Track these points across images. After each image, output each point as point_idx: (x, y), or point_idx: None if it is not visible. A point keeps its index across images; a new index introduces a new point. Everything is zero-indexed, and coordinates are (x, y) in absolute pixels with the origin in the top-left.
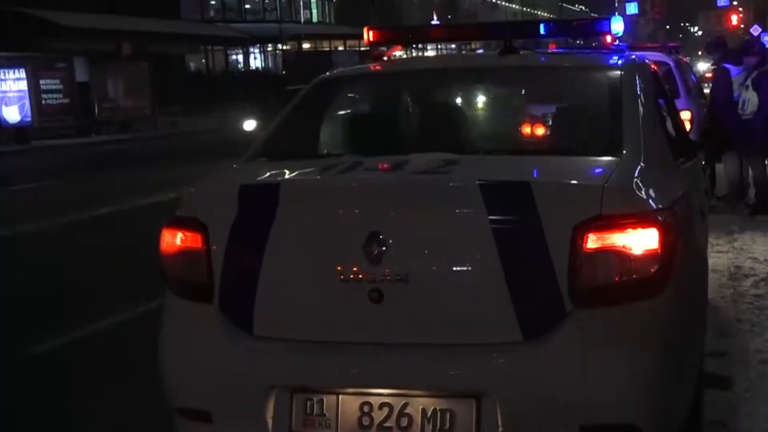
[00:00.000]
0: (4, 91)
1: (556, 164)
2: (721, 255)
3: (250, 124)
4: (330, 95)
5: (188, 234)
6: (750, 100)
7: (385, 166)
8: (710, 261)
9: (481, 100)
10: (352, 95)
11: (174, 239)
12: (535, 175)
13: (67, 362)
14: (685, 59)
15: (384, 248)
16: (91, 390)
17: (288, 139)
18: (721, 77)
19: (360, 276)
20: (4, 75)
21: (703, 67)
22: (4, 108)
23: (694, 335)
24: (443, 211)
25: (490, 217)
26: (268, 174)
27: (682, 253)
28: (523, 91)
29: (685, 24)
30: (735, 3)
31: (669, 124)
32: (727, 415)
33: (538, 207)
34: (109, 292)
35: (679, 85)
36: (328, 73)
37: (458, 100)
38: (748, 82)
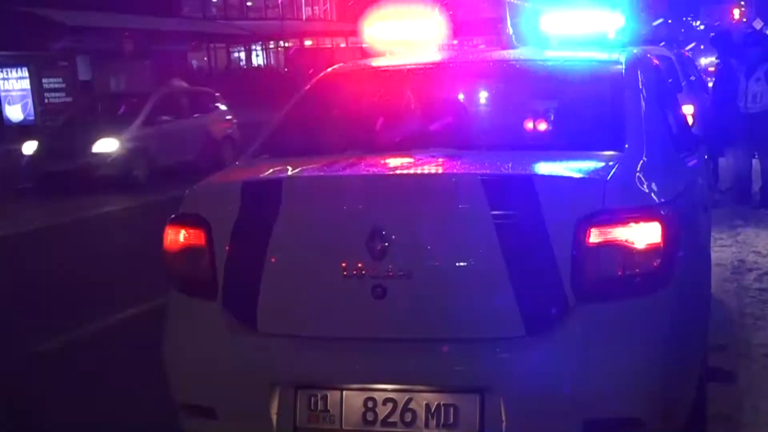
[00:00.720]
0: (6, 90)
1: (558, 159)
2: (724, 249)
3: (30, 147)
4: (332, 91)
5: (191, 231)
6: (762, 92)
7: (388, 162)
8: (713, 255)
9: (483, 95)
10: (353, 91)
11: (177, 236)
12: (537, 170)
13: (74, 360)
14: (687, 53)
15: (387, 244)
16: (97, 387)
17: (290, 135)
18: (724, 71)
19: (363, 272)
20: (7, 74)
21: (705, 61)
22: (7, 107)
23: (697, 329)
24: (446, 207)
25: (493, 212)
26: (270, 171)
27: (684, 247)
28: (525, 86)
29: (687, 18)
30: None
31: (671, 119)
32: (731, 409)
33: (540, 202)
34: (113, 290)
35: (681, 79)
36: (329, 70)
37: (460, 96)
38: (761, 74)
